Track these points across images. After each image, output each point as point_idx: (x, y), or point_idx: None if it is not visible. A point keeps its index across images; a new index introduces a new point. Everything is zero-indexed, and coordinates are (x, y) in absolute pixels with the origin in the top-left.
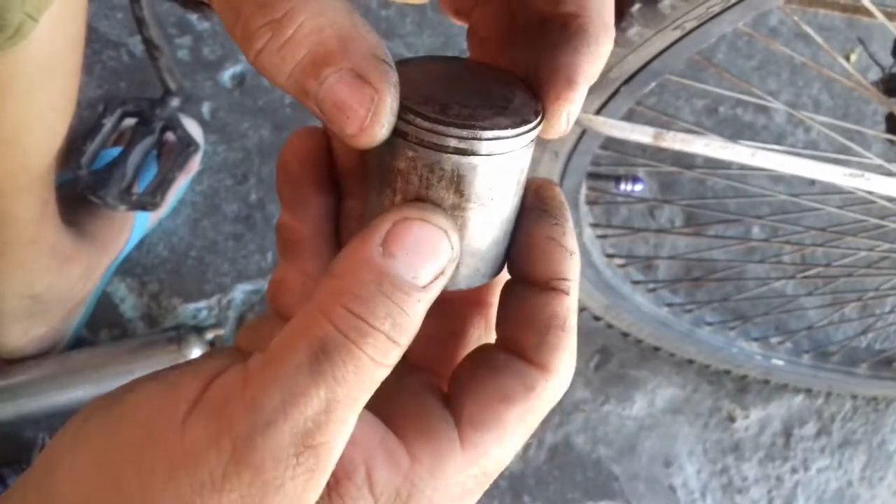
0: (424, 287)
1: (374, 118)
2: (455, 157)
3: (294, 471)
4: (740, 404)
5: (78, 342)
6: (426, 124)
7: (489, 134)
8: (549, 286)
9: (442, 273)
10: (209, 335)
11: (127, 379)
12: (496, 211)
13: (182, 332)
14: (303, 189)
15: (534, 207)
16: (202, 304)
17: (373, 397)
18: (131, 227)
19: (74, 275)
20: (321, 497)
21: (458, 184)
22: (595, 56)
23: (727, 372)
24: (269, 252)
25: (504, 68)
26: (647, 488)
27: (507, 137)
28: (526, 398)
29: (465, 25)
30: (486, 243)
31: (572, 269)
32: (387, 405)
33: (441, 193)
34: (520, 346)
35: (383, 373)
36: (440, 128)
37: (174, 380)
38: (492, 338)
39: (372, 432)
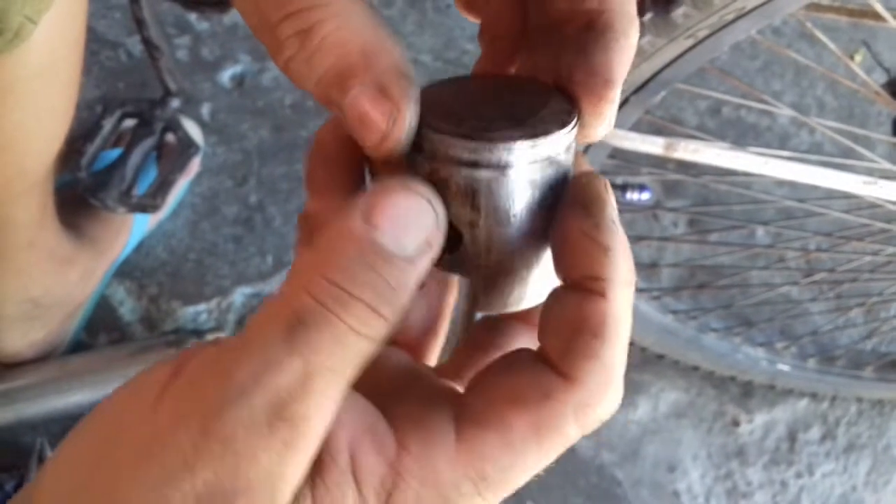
0: (409, 258)
1: (394, 132)
2: (465, 170)
3: (267, 442)
4: (745, 408)
5: (76, 346)
6: (436, 136)
7: (500, 146)
8: (582, 286)
9: (428, 244)
10: (209, 339)
11: None
12: (520, 228)
13: (181, 336)
14: (338, 171)
15: (572, 202)
16: (202, 307)
17: (384, 396)
18: (130, 230)
19: (73, 278)
20: (305, 480)
21: (473, 198)
22: (626, 50)
23: (732, 377)
24: (269, 255)
25: (543, 81)
26: (650, 493)
27: (520, 150)
28: (539, 405)
29: (474, 23)
30: (517, 263)
31: (607, 268)
32: (396, 401)
33: (458, 209)
34: (546, 351)
35: (366, 345)
36: (449, 140)
37: (147, 369)
38: None
39: (362, 416)
